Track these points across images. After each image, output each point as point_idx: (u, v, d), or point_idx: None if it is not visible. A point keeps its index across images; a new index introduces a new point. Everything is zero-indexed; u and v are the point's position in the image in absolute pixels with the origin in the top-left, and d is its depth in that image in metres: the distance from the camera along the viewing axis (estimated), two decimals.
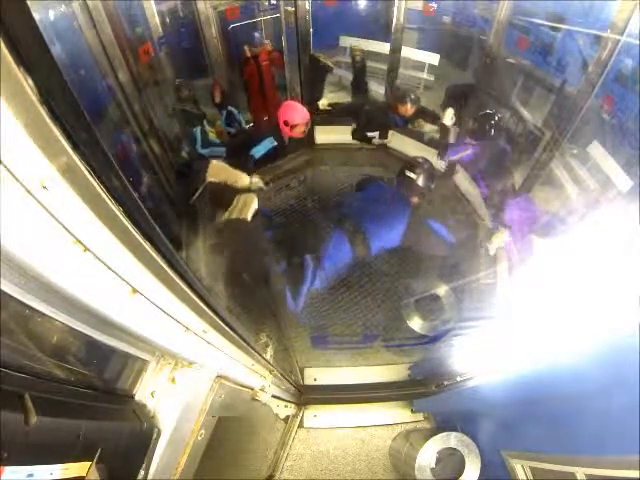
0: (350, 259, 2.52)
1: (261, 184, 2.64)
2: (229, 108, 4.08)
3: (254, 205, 2.11)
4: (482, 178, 3.29)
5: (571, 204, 3.21)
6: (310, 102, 3.86)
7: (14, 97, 0.36)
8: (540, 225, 2.76)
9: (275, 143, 3.05)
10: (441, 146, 3.40)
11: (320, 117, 4.01)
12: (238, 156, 3.26)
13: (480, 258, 3.12)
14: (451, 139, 3.33)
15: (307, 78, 3.75)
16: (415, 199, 2.62)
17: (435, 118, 3.64)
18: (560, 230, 2.51)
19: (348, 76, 4.44)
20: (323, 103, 3.67)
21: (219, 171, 2.45)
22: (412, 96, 3.44)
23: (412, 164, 2.58)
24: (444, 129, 3.35)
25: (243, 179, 2.49)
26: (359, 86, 4.15)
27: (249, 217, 2.06)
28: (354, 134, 3.89)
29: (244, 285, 2.44)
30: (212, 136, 3.92)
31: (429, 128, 3.49)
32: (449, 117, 3.36)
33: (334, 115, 3.94)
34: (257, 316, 2.87)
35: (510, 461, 1.68)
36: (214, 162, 2.48)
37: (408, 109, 3.45)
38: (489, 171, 3.24)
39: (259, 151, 2.98)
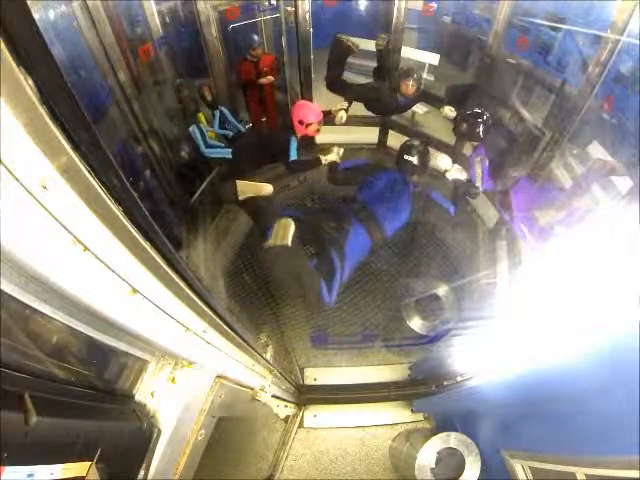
0: (370, 245, 2.72)
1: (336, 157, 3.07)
2: (220, 108, 4.01)
3: (292, 229, 2.26)
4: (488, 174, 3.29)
5: (571, 204, 3.21)
6: (329, 83, 3.86)
7: (14, 97, 0.36)
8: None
9: (297, 141, 3.14)
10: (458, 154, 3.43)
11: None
12: (249, 158, 3.44)
13: (480, 258, 3.12)
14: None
15: (330, 58, 3.76)
16: (415, 178, 2.87)
17: (439, 101, 3.61)
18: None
19: (371, 63, 4.37)
20: (341, 116, 3.64)
21: (246, 188, 2.77)
22: (415, 75, 3.41)
23: (408, 147, 2.82)
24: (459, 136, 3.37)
25: (267, 188, 2.81)
26: (382, 72, 4.10)
27: (290, 242, 2.20)
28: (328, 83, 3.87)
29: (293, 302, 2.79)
30: (211, 136, 3.88)
31: (451, 113, 3.40)
32: (448, 111, 3.37)
33: (339, 93, 3.86)
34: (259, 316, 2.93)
35: (510, 461, 1.68)
36: (240, 182, 2.78)
37: (410, 87, 3.43)
38: (493, 167, 3.26)
39: (293, 154, 3.11)
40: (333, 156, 3.06)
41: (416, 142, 2.88)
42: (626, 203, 1.80)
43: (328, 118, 3.40)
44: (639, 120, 2.94)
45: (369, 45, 5.92)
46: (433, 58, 5.63)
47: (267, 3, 4.66)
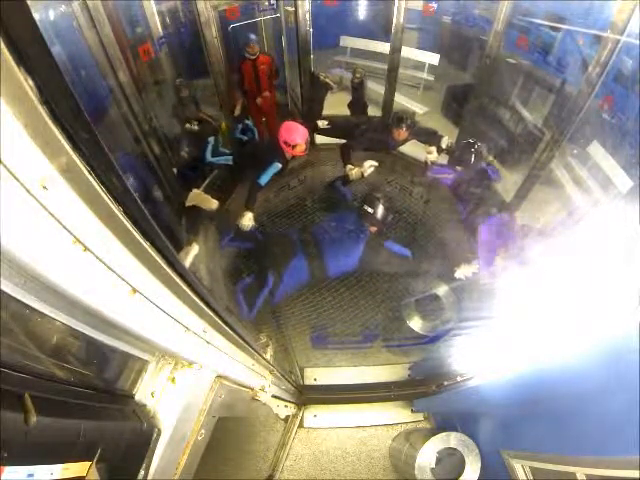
0: (307, 280, 2.87)
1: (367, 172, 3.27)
2: (246, 122, 4.16)
3: (194, 252, 2.40)
4: (462, 203, 3.38)
5: (571, 204, 3.21)
6: (309, 114, 3.88)
7: (14, 97, 0.36)
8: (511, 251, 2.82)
9: (279, 167, 3.13)
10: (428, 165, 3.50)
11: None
12: (244, 166, 3.57)
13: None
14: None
15: (307, 95, 3.79)
16: (373, 229, 2.92)
17: (429, 136, 3.63)
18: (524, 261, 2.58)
19: (347, 96, 4.41)
20: (323, 123, 3.68)
21: (194, 198, 2.99)
22: (408, 122, 3.41)
23: (371, 199, 2.86)
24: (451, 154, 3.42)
25: (212, 204, 2.98)
26: (358, 106, 4.14)
27: (187, 264, 2.43)
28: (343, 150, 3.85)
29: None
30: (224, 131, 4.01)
31: (434, 157, 3.47)
32: (444, 143, 3.44)
33: (331, 134, 3.85)
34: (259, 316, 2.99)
35: (510, 461, 1.68)
36: (193, 192, 3.03)
37: (402, 134, 3.45)
38: (469, 197, 3.32)
39: (264, 179, 3.10)
40: (246, 220, 3.01)
41: (379, 194, 2.93)
42: (626, 203, 1.81)
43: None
44: (639, 120, 2.94)
45: (369, 45, 5.91)
46: (433, 58, 5.63)
47: (267, 3, 4.66)
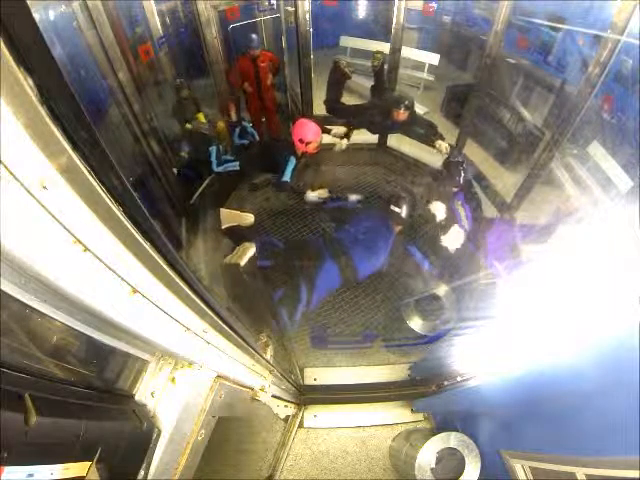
0: (339, 283, 2.83)
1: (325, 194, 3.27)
2: (243, 124, 4.17)
3: (250, 253, 2.41)
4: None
5: (571, 204, 3.21)
6: (329, 99, 3.96)
7: (14, 97, 0.36)
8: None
9: (295, 161, 3.22)
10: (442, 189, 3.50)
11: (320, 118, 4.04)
12: (254, 167, 3.72)
13: (480, 259, 3.12)
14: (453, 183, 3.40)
15: (329, 80, 3.87)
16: (399, 228, 2.96)
17: (429, 128, 3.70)
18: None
19: (367, 82, 4.49)
20: (343, 143, 3.83)
21: (229, 217, 2.94)
22: (406, 102, 3.50)
23: (396, 199, 2.90)
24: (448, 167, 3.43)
25: (249, 219, 2.98)
26: (380, 90, 4.20)
27: (242, 262, 2.35)
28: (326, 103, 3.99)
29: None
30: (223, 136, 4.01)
31: (445, 148, 3.52)
32: (443, 149, 3.47)
33: (338, 115, 4.00)
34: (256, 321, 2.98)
35: (510, 461, 1.68)
36: (223, 211, 2.96)
37: (400, 114, 3.53)
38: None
39: (288, 176, 3.18)
40: (323, 192, 3.23)
41: (404, 194, 2.98)
42: (626, 203, 1.80)
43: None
44: (639, 120, 2.94)
45: (369, 45, 5.91)
46: (433, 58, 5.63)
47: (267, 3, 4.66)
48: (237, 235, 2.83)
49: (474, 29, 5.33)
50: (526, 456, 1.60)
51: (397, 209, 2.84)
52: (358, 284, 3.23)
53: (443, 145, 3.50)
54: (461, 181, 3.15)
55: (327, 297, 3.10)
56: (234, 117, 4.16)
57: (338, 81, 3.86)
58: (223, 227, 2.88)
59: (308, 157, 3.53)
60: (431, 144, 3.60)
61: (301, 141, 3.15)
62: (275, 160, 3.27)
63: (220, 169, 3.68)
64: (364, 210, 3.34)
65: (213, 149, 3.69)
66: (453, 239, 3.01)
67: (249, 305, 2.48)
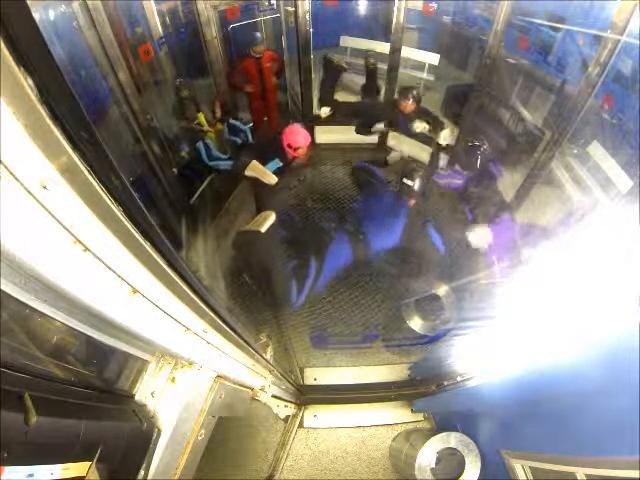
0: (351, 260, 2.80)
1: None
2: (230, 121, 4.15)
3: (271, 220, 2.38)
4: (469, 206, 3.45)
5: (571, 204, 3.21)
6: (323, 95, 4.04)
7: (14, 97, 0.36)
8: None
9: (281, 164, 3.27)
10: (430, 167, 3.54)
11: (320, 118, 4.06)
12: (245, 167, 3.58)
13: (480, 258, 3.12)
14: (441, 163, 3.45)
15: (321, 78, 3.94)
16: (412, 202, 2.96)
17: (434, 120, 3.73)
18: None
19: (360, 79, 4.53)
20: (324, 111, 3.83)
21: (255, 169, 2.99)
22: (414, 93, 3.55)
23: (409, 171, 2.90)
24: (437, 149, 3.48)
25: (272, 179, 2.98)
26: (371, 89, 4.26)
27: (263, 229, 2.33)
28: (358, 130, 4.02)
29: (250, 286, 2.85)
30: (211, 136, 3.96)
31: (422, 128, 3.58)
32: (444, 138, 3.49)
33: (339, 116, 4.06)
34: (259, 316, 2.96)
35: (510, 461, 1.68)
36: (253, 162, 3.01)
37: (408, 105, 3.57)
38: (476, 200, 3.40)
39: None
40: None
41: (417, 166, 3.00)
42: (626, 203, 1.80)
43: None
44: (639, 120, 2.94)
45: (370, 45, 5.91)
46: (433, 58, 5.62)
47: (267, 3, 4.66)
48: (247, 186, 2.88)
49: (474, 29, 5.33)
50: (526, 456, 1.60)
51: (410, 182, 2.84)
52: (371, 260, 3.16)
53: (447, 133, 3.53)
54: (478, 165, 3.20)
55: (340, 275, 3.04)
56: (218, 114, 4.14)
57: (331, 77, 3.90)
58: (246, 173, 2.96)
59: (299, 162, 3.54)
60: (436, 136, 3.62)
61: (290, 146, 3.21)
62: (264, 157, 3.29)
63: (212, 163, 3.70)
64: (374, 184, 3.36)
65: (200, 145, 3.72)
66: (479, 237, 3.02)
67: (266, 273, 2.51)
